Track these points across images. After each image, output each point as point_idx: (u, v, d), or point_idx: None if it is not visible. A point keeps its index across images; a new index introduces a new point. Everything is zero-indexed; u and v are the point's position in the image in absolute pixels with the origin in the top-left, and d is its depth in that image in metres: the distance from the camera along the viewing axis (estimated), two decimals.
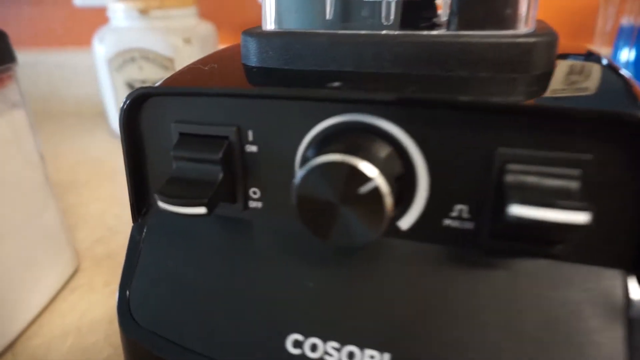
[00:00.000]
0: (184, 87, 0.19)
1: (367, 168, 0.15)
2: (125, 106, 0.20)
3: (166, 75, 0.20)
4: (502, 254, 0.18)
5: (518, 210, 0.15)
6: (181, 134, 0.20)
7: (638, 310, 0.16)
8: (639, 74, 0.49)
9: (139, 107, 0.20)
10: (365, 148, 0.16)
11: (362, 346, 0.18)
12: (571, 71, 0.20)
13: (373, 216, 0.16)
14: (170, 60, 0.63)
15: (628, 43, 0.50)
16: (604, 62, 0.21)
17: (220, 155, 0.19)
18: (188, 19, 0.67)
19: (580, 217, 0.14)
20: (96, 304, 0.35)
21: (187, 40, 0.63)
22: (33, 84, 0.90)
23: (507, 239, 0.17)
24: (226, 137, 0.19)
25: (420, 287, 0.18)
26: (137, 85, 0.64)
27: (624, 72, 0.19)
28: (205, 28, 0.69)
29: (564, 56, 0.21)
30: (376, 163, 0.16)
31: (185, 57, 0.63)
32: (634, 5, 0.50)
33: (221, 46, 0.69)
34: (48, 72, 0.90)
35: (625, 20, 0.50)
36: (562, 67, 0.20)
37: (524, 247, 0.17)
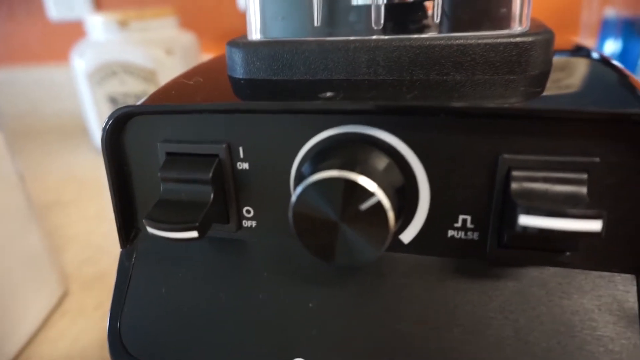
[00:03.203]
0: (169, 105, 0.18)
1: (366, 183, 0.14)
2: (107, 127, 0.19)
3: (149, 88, 0.20)
4: (509, 263, 0.17)
5: (527, 220, 0.14)
6: (168, 154, 0.19)
7: None
8: (626, 65, 0.49)
9: (122, 126, 0.19)
10: (363, 161, 0.16)
11: None
12: (569, 69, 0.19)
13: (376, 232, 0.15)
14: (152, 72, 0.62)
15: (613, 34, 0.50)
16: (599, 57, 0.20)
17: (210, 174, 0.18)
18: (168, 30, 0.65)
19: (593, 225, 0.14)
20: (88, 329, 0.34)
21: (169, 51, 0.62)
22: (10, 101, 0.88)
23: (514, 248, 0.16)
24: (216, 155, 0.18)
25: (426, 302, 0.17)
26: (120, 98, 0.63)
27: (619, 66, 0.19)
28: (187, 38, 0.68)
29: (558, 54, 0.21)
30: (375, 176, 0.15)
31: (168, 68, 0.61)
32: None
33: (203, 56, 0.68)
34: (25, 89, 0.88)
35: (609, 12, 0.51)
36: (559, 66, 0.19)
37: (531, 256, 0.16)
